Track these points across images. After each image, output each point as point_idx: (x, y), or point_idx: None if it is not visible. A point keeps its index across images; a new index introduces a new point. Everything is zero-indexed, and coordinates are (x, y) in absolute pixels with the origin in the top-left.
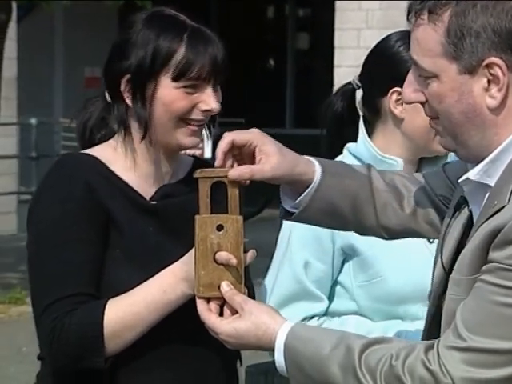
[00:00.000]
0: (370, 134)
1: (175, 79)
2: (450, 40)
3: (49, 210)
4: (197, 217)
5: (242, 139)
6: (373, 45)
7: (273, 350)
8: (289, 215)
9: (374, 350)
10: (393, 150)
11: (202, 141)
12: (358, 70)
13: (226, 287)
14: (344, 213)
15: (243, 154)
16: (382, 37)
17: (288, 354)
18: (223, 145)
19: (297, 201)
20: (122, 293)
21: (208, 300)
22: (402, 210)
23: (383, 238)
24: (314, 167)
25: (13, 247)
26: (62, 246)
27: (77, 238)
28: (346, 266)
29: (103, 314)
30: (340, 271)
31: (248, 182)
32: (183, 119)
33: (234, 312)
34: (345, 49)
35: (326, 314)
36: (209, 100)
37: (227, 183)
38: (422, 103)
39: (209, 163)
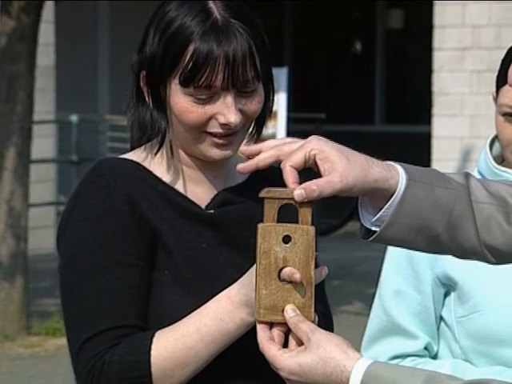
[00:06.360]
0: None
1: (183, 85)
2: None
3: (82, 228)
4: (259, 225)
5: (300, 160)
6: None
7: None
8: (370, 234)
9: None
10: None
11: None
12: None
13: (290, 312)
14: (437, 230)
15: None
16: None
17: None
18: (289, 176)
19: (378, 215)
20: (173, 322)
21: (271, 326)
22: (509, 225)
23: (489, 261)
24: (395, 173)
25: (50, 268)
26: (98, 270)
27: (116, 261)
28: (447, 299)
29: (150, 349)
30: (443, 306)
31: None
32: (202, 131)
33: (301, 342)
34: (446, 28)
35: (431, 355)
36: (225, 111)
37: (297, 204)
38: None
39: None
